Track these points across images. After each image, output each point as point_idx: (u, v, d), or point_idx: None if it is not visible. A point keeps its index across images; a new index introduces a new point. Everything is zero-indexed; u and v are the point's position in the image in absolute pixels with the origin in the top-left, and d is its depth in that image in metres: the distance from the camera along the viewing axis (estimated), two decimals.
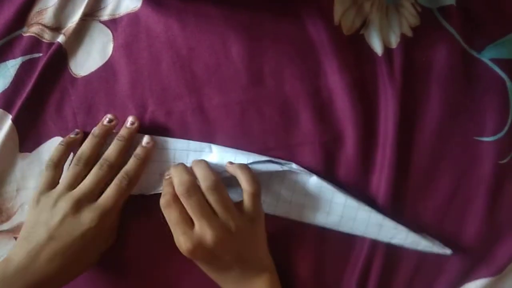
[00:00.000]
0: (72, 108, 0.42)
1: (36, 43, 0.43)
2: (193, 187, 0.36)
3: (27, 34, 0.43)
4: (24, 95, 0.42)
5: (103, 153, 0.39)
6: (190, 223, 0.36)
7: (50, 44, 0.43)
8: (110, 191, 0.38)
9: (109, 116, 0.41)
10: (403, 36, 0.44)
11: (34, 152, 0.42)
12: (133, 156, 0.40)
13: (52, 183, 0.39)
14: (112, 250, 0.41)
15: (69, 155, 0.40)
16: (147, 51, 0.43)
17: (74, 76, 0.43)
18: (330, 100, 0.43)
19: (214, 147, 0.42)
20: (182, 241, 0.35)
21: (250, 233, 0.37)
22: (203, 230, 0.35)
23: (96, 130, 0.40)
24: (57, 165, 0.39)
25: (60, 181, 0.39)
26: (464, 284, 0.43)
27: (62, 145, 0.40)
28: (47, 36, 0.43)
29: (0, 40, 0.42)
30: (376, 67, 0.43)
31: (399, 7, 0.45)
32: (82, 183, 0.38)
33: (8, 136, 0.41)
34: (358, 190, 0.42)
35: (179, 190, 0.36)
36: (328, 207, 0.40)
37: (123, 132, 0.40)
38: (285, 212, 0.41)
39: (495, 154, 0.43)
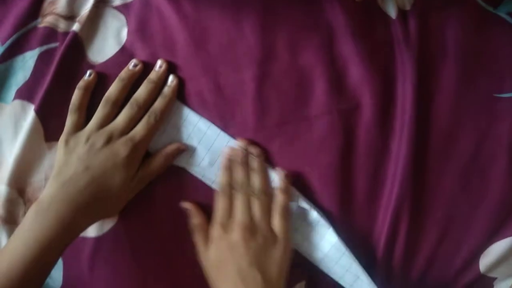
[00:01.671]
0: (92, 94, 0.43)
1: (51, 33, 0.43)
2: (246, 186, 0.41)
3: (42, 25, 0.43)
4: (44, 85, 0.42)
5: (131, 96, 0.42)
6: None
7: (66, 33, 0.43)
8: (140, 126, 0.41)
9: (134, 60, 0.42)
10: None
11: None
12: (160, 96, 0.42)
13: (78, 125, 0.41)
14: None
15: (89, 97, 0.42)
16: (161, 34, 0.43)
17: (92, 63, 0.43)
18: (346, 68, 0.43)
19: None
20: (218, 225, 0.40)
21: (266, 250, 0.39)
22: (235, 226, 0.39)
23: (122, 74, 0.42)
24: (79, 108, 0.41)
25: (90, 122, 0.41)
26: (493, 243, 0.43)
27: (79, 89, 0.41)
28: (62, 25, 0.43)
29: (16, 33, 0.43)
30: (390, 31, 0.43)
31: None
32: (114, 121, 0.40)
33: (32, 127, 0.42)
34: (378, 157, 0.42)
35: (238, 183, 0.41)
36: (318, 241, 0.41)
37: (151, 75, 0.42)
38: None
39: None
